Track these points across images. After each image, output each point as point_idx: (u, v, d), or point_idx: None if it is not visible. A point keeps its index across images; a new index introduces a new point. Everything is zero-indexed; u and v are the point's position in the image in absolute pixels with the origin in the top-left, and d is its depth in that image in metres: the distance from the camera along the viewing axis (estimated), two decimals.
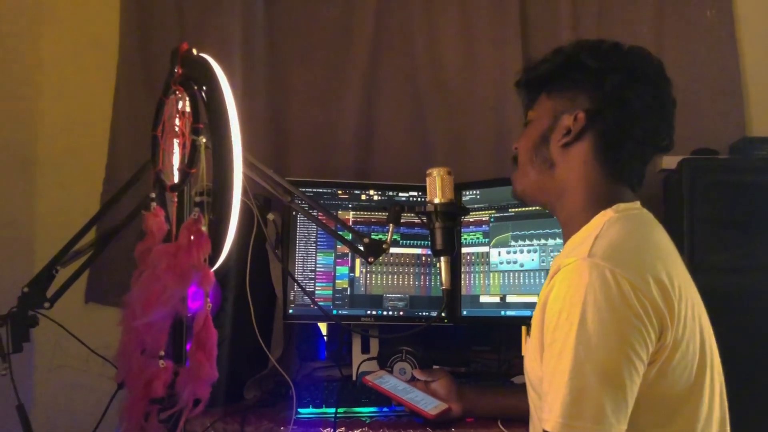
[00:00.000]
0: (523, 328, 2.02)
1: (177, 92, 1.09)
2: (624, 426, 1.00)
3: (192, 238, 1.02)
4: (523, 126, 1.37)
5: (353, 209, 2.03)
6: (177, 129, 1.09)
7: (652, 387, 1.05)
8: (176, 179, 1.10)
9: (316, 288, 1.98)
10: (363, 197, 2.04)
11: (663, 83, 1.25)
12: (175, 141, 1.09)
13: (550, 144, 1.27)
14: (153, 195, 1.13)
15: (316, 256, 1.98)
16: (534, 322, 1.17)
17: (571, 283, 1.05)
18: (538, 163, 1.29)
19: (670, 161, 1.95)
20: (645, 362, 1.02)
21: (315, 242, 1.98)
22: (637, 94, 1.21)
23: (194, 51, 1.10)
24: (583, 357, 0.99)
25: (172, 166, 1.11)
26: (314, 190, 2.02)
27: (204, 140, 1.06)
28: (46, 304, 1.32)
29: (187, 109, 1.07)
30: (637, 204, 1.24)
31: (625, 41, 1.27)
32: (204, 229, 1.04)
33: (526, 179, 1.32)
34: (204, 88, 1.06)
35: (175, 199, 1.10)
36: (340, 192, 2.03)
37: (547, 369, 1.05)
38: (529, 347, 1.22)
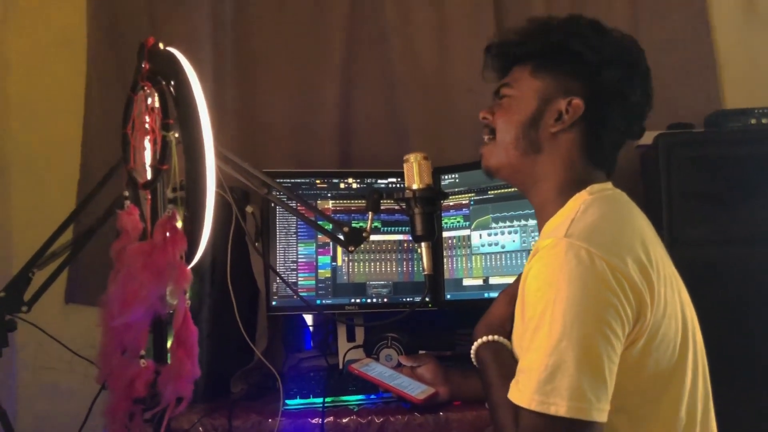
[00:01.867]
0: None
1: (145, 88, 1.07)
2: (605, 405, 0.99)
3: (167, 235, 1.01)
4: (495, 96, 1.33)
5: (332, 198, 2.02)
6: (147, 126, 1.07)
7: (638, 366, 1.06)
8: (149, 176, 1.09)
9: (299, 279, 1.97)
10: (342, 186, 2.03)
11: (649, 79, 1.25)
12: (146, 138, 1.08)
13: (540, 129, 1.24)
14: (126, 193, 1.12)
15: (297, 247, 1.98)
16: (517, 306, 1.17)
17: (548, 262, 1.05)
18: (523, 146, 1.26)
19: (646, 137, 1.92)
20: (622, 340, 1.02)
21: (295, 233, 1.97)
22: (633, 89, 1.21)
23: (161, 45, 1.09)
24: (559, 334, 0.99)
25: (144, 163, 1.09)
26: (292, 180, 2.01)
27: (175, 135, 1.05)
28: (24, 308, 1.31)
29: (156, 104, 1.06)
30: (610, 184, 1.25)
31: (600, 17, 1.27)
32: (179, 225, 1.03)
33: (505, 158, 1.28)
34: (172, 82, 1.04)
35: (149, 197, 1.08)
36: (318, 181, 2.02)
37: (524, 347, 1.06)
38: (514, 331, 1.22)
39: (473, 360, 1.29)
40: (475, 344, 1.27)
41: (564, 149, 1.23)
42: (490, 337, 1.25)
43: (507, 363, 1.20)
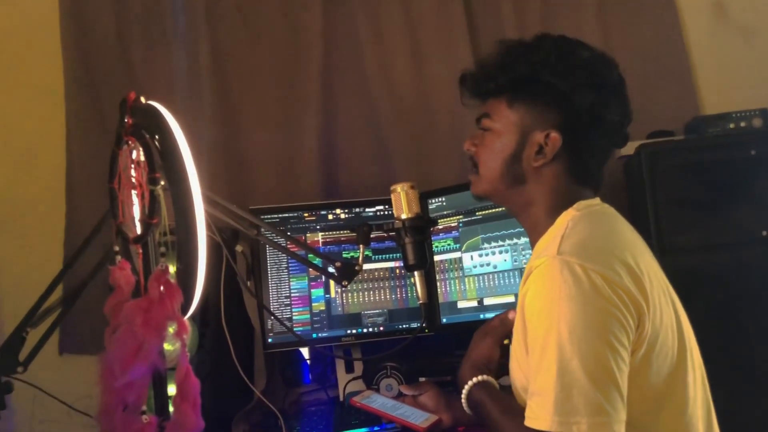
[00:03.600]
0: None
1: (129, 143, 1.07)
2: (623, 415, 1.00)
3: (162, 289, 1.01)
4: (477, 125, 1.34)
5: (321, 230, 2.02)
6: (134, 180, 1.07)
7: (638, 376, 1.06)
8: (139, 230, 1.08)
9: (293, 313, 1.96)
10: (330, 217, 2.03)
11: (624, 90, 1.26)
12: (133, 192, 1.08)
13: (522, 162, 1.25)
14: (117, 248, 1.11)
15: (289, 282, 1.97)
16: (515, 327, 1.18)
17: (544, 282, 1.06)
18: (508, 180, 1.27)
19: (628, 147, 1.95)
20: (629, 350, 1.04)
21: (287, 268, 1.97)
22: (609, 109, 1.22)
23: (142, 99, 1.09)
24: (568, 353, 1.00)
25: (132, 217, 1.09)
26: (280, 215, 2.00)
27: (162, 186, 1.04)
28: (20, 369, 1.29)
29: (142, 158, 1.05)
30: (597, 200, 1.26)
31: (569, 29, 1.28)
32: (172, 277, 1.03)
33: (492, 189, 1.31)
34: (156, 136, 1.04)
35: (140, 251, 1.08)
36: (306, 215, 2.02)
37: (532, 369, 1.06)
38: (512, 352, 1.23)
39: (464, 403, 1.30)
40: (467, 386, 1.28)
41: (550, 178, 1.24)
42: (481, 378, 1.27)
43: (504, 398, 1.22)
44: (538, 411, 1.03)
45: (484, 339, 1.35)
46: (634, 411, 1.06)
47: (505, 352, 1.34)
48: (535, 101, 1.24)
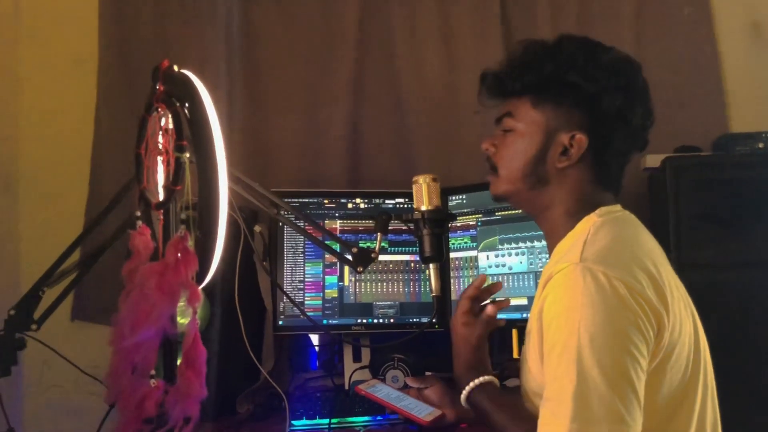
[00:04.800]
0: (514, 331, 2.02)
1: (159, 109, 1.08)
2: (639, 425, 0.99)
3: (179, 255, 1.02)
4: (497, 124, 1.32)
5: (340, 218, 2.02)
6: (160, 146, 1.08)
7: (651, 386, 1.05)
8: (161, 197, 1.09)
9: (306, 298, 1.97)
10: (350, 206, 2.04)
11: (648, 93, 1.24)
12: (159, 158, 1.09)
13: (547, 164, 1.24)
14: (138, 213, 1.12)
15: (304, 266, 1.98)
16: (530, 330, 1.16)
17: (566, 288, 1.05)
18: (531, 181, 1.26)
19: (653, 160, 1.96)
20: (647, 358, 1.03)
21: (303, 252, 1.98)
22: (635, 112, 1.21)
23: (175, 67, 1.10)
24: (588, 360, 0.99)
25: (156, 183, 1.10)
26: (300, 200, 2.02)
27: (188, 156, 1.05)
28: (34, 326, 1.31)
29: (170, 126, 1.06)
30: (619, 207, 1.25)
31: (604, 38, 1.27)
32: (191, 246, 1.03)
33: (513, 190, 1.29)
34: (186, 104, 1.05)
35: (161, 217, 1.09)
36: (326, 201, 2.03)
37: (549, 375, 1.05)
38: (525, 356, 1.22)
39: (464, 404, 1.31)
40: (466, 390, 1.29)
41: (573, 180, 1.24)
42: (481, 379, 1.26)
43: (509, 402, 1.21)
44: (553, 418, 1.01)
45: (472, 334, 1.36)
46: (646, 419, 1.04)
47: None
48: (561, 102, 1.22)
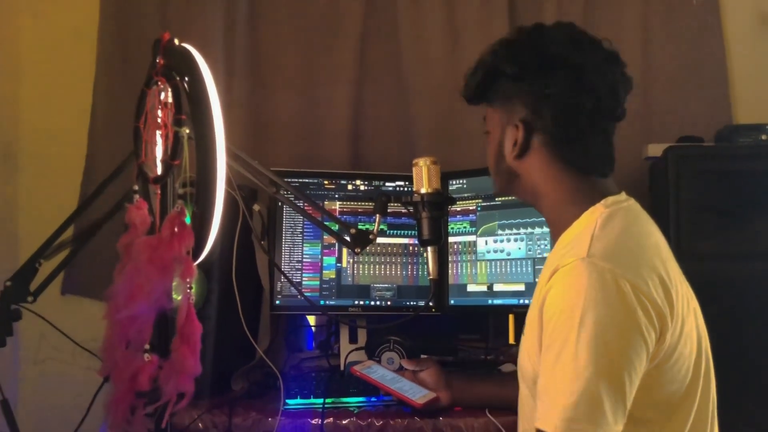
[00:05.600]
0: (511, 317, 2.03)
1: (159, 83, 1.07)
2: (620, 426, 1.00)
3: (175, 230, 1.01)
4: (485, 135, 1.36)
5: (339, 199, 2.02)
6: (159, 120, 1.07)
7: (650, 383, 1.05)
8: (159, 171, 1.09)
9: (303, 279, 1.97)
10: (349, 187, 2.03)
11: (604, 65, 1.19)
12: (158, 132, 1.08)
13: (505, 158, 1.26)
14: (136, 187, 1.11)
15: (302, 247, 1.98)
16: (530, 320, 1.16)
17: (571, 284, 1.04)
18: (504, 177, 1.29)
19: (655, 149, 1.96)
20: (645, 362, 1.02)
21: (301, 233, 1.97)
22: (586, 92, 1.16)
23: (176, 41, 1.09)
24: (585, 360, 0.98)
25: (155, 157, 1.09)
26: (300, 180, 2.01)
27: (187, 131, 1.05)
28: (30, 298, 1.31)
29: (170, 99, 1.06)
30: (624, 195, 1.22)
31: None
32: (187, 221, 1.03)
33: (498, 187, 1.34)
34: (186, 78, 1.04)
35: (159, 192, 1.08)
36: (326, 182, 2.02)
37: (545, 369, 1.05)
38: (524, 344, 1.22)
39: None
40: None
41: (537, 166, 1.23)
42: None
43: None
44: (546, 412, 1.02)
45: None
46: (643, 415, 1.06)
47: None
48: (503, 96, 1.25)
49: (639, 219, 1.20)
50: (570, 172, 1.21)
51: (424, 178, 1.42)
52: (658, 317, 1.02)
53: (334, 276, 1.99)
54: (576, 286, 1.03)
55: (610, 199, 1.19)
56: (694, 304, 1.17)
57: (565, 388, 0.99)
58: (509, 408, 1.39)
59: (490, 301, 1.94)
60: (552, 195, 1.23)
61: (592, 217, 1.16)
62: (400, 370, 1.73)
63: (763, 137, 1.94)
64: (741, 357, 1.72)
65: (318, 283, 1.98)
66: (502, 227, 1.93)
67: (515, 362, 1.30)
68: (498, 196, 1.37)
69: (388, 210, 1.46)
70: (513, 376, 1.29)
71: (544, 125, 1.20)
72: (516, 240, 1.90)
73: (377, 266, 2.01)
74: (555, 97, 1.18)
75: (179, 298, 1.06)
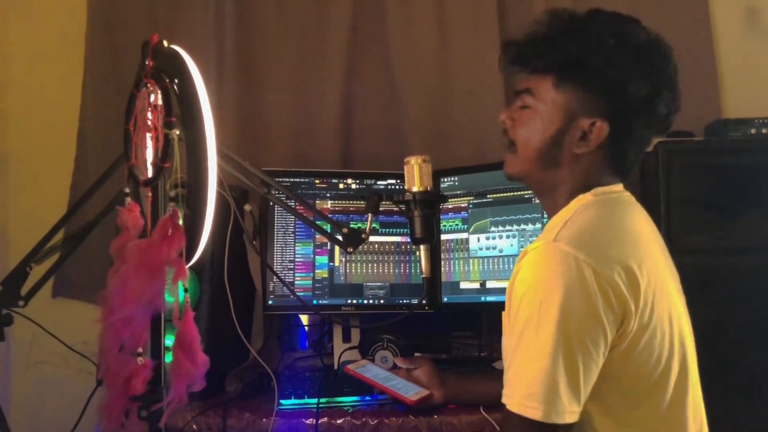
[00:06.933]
0: (503, 314, 2.02)
1: (148, 85, 1.07)
2: (576, 408, 1.03)
3: (168, 233, 1.01)
4: (516, 96, 1.27)
5: (331, 198, 2.02)
6: (149, 123, 1.07)
7: (618, 369, 1.07)
8: (150, 174, 1.08)
9: (296, 278, 1.97)
10: (341, 186, 2.03)
11: (677, 79, 1.20)
12: (148, 135, 1.07)
13: (563, 147, 1.20)
14: (127, 190, 1.11)
15: (294, 246, 1.97)
16: (506, 306, 1.17)
17: (535, 267, 1.07)
18: (545, 162, 1.23)
19: None
20: (604, 347, 1.04)
21: (293, 232, 1.97)
22: (660, 101, 1.18)
23: (165, 43, 1.08)
24: (542, 342, 1.02)
25: (145, 160, 1.09)
26: (291, 179, 2.01)
27: (177, 133, 1.04)
28: (21, 302, 1.31)
29: (159, 102, 1.05)
30: (619, 186, 1.23)
31: None
32: (180, 223, 1.02)
33: (526, 169, 1.26)
34: (176, 80, 1.04)
35: (150, 194, 1.08)
36: (317, 181, 2.02)
37: (510, 349, 1.09)
38: (504, 326, 1.22)
39: None
40: None
41: (586, 164, 1.21)
42: None
43: None
44: (509, 390, 1.07)
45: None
46: (613, 401, 1.09)
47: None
48: (584, 86, 1.18)
49: (624, 209, 1.21)
50: (608, 172, 1.22)
51: (415, 177, 1.42)
52: (619, 303, 1.04)
53: (326, 275, 1.99)
54: (539, 269, 1.06)
55: (600, 189, 1.20)
56: (674, 294, 1.18)
57: (525, 367, 1.04)
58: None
59: (483, 298, 1.95)
60: (570, 187, 1.22)
61: (576, 205, 1.19)
62: (394, 368, 1.74)
63: (752, 131, 1.95)
64: (731, 349, 1.73)
65: (311, 282, 1.98)
66: (494, 224, 1.93)
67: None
68: (510, 178, 1.29)
69: (380, 208, 1.46)
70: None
71: (625, 132, 1.19)
72: (508, 237, 1.91)
73: (370, 265, 2.01)
74: (651, 111, 1.18)
75: (172, 300, 1.05)
